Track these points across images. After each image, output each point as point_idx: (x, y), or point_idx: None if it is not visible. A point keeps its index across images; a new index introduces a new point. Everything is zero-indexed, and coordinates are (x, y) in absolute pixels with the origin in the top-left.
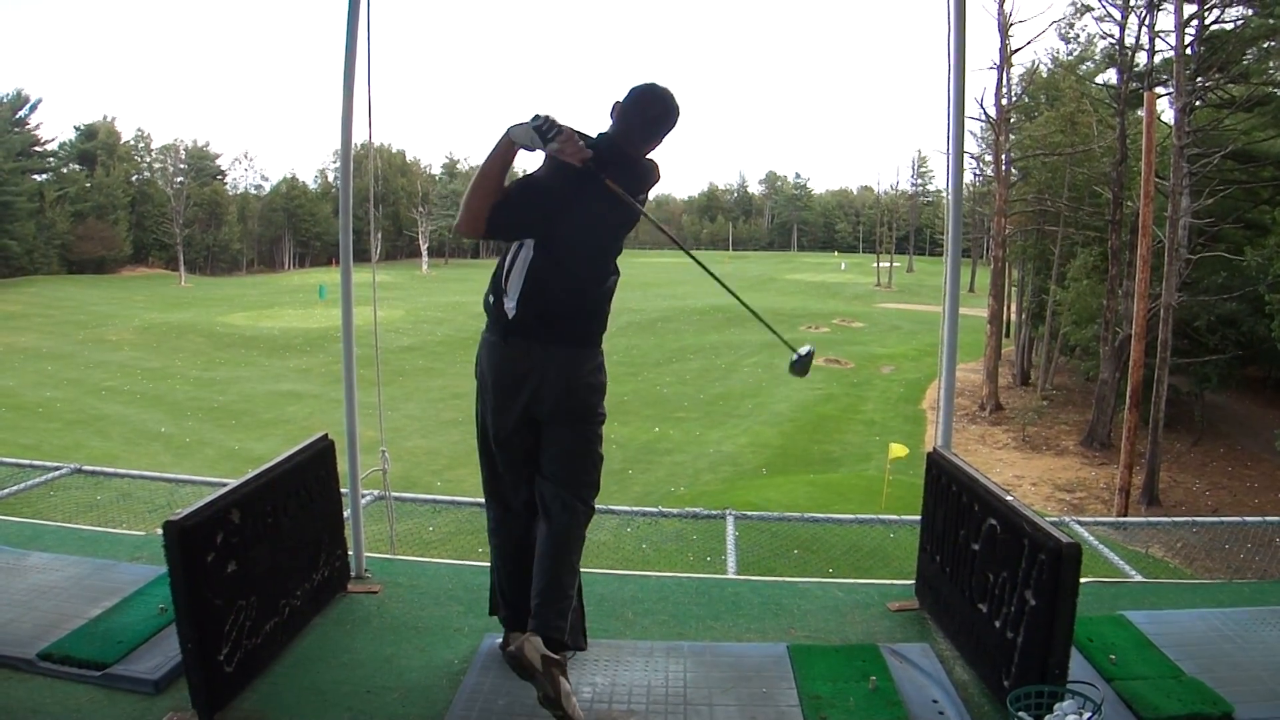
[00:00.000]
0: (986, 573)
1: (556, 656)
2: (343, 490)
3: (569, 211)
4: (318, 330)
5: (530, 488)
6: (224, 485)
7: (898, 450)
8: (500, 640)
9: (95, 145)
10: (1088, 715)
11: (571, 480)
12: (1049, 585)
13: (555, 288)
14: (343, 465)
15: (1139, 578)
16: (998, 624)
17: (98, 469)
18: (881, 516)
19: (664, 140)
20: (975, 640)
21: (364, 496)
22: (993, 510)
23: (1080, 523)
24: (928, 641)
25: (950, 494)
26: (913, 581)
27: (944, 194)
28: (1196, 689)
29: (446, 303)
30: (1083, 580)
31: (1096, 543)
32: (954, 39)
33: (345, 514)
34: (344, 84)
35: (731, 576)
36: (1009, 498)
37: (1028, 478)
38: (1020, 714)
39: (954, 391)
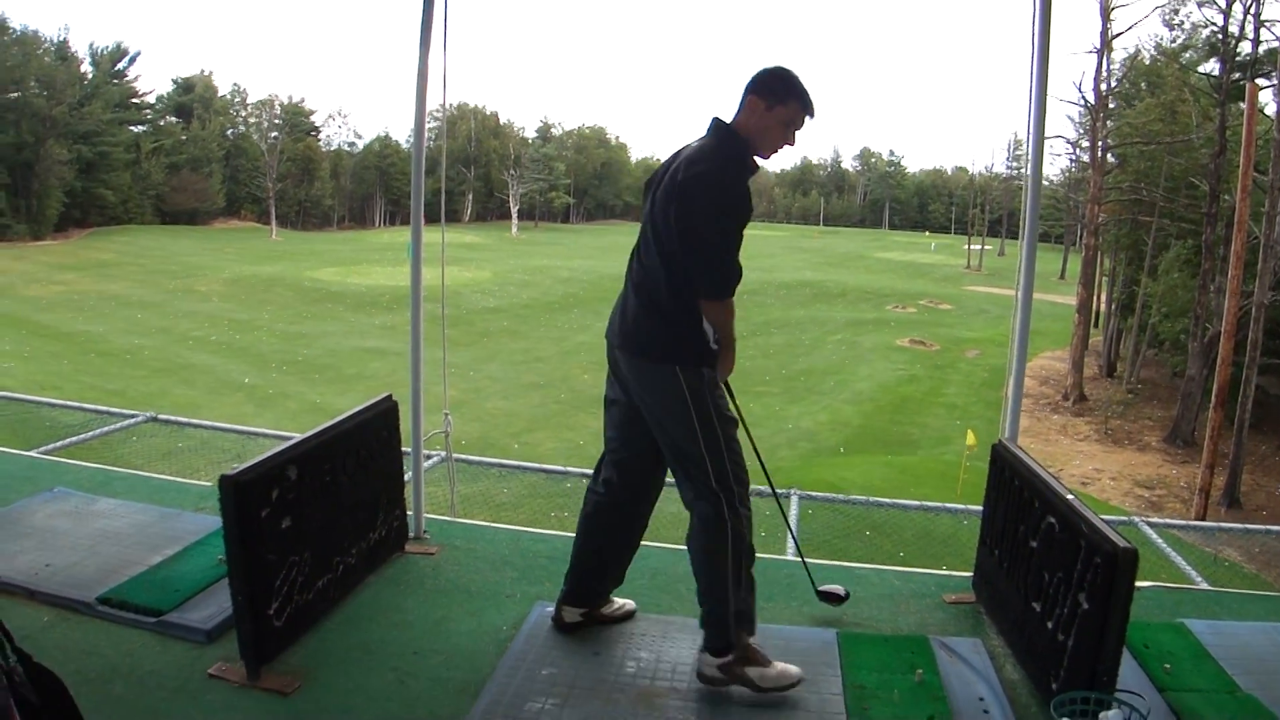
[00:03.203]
0: (1043, 571)
1: (728, 659)
2: (406, 450)
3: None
4: (404, 288)
5: (615, 469)
6: (289, 440)
7: (970, 440)
8: (550, 610)
9: (192, 99)
10: None
11: (685, 480)
12: (1103, 589)
13: (627, 281)
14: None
15: (1205, 585)
16: (1050, 625)
17: (172, 418)
18: (948, 505)
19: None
20: (1027, 639)
21: (429, 458)
22: (1052, 508)
23: (1151, 523)
24: (980, 637)
25: (1012, 488)
26: (970, 574)
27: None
28: (1250, 706)
29: (534, 266)
30: (1146, 585)
31: (1165, 545)
32: (1039, 25)
33: (408, 475)
34: (420, 41)
35: (790, 558)
36: (1069, 496)
37: (1107, 471)
38: (1063, 719)
39: (1023, 383)
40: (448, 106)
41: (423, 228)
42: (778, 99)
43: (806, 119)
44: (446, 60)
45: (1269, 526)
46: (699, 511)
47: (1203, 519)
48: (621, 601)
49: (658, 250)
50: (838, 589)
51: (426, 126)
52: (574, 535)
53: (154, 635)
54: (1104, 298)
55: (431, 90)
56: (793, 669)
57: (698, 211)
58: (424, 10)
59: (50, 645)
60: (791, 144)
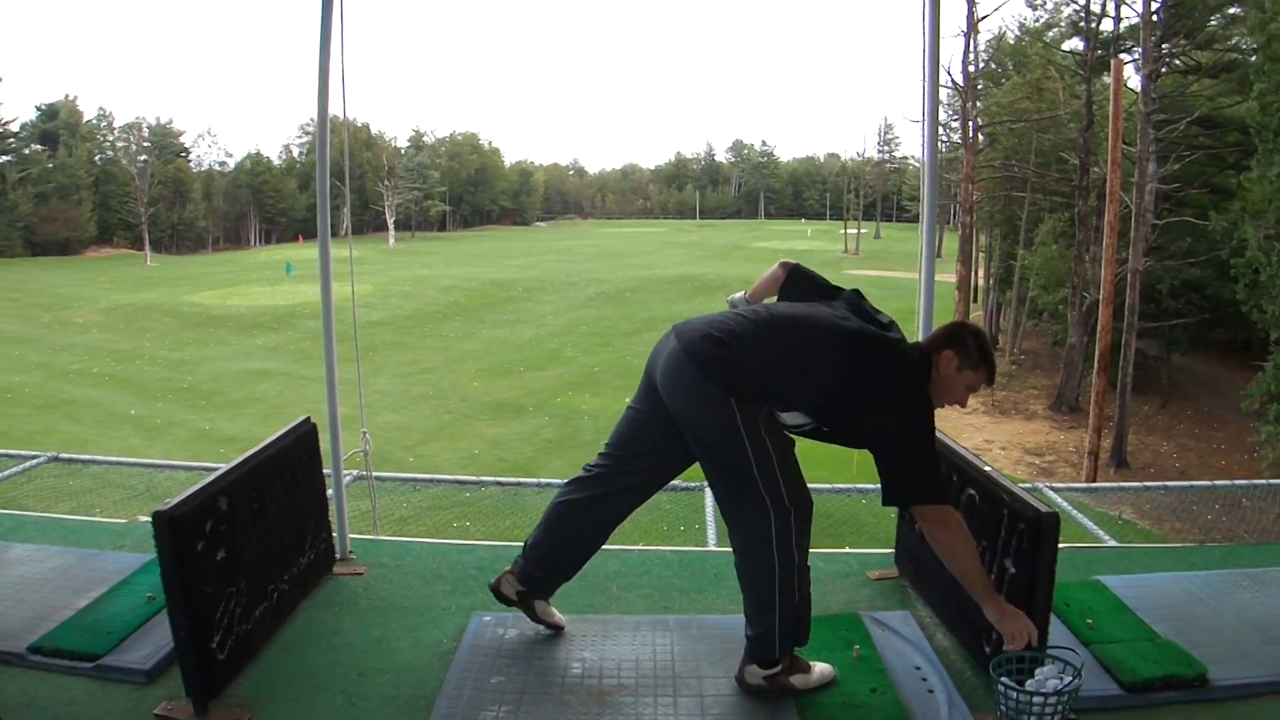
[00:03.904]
0: None
1: (775, 670)
2: (326, 471)
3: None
4: (285, 307)
5: (609, 472)
6: (208, 471)
7: None
8: (489, 619)
9: (57, 125)
10: (1069, 679)
11: (733, 494)
12: (1029, 554)
13: (734, 320)
14: (323, 444)
15: (1112, 542)
16: None
17: (75, 456)
18: (856, 485)
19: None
20: (956, 608)
21: (345, 477)
22: (972, 480)
23: (1053, 488)
24: (908, 609)
25: None
26: (892, 550)
27: (910, 160)
28: (1171, 651)
29: (414, 276)
30: (1060, 546)
31: (1069, 507)
32: (929, 10)
33: (327, 494)
34: (320, 58)
35: (713, 549)
36: (987, 468)
37: (997, 442)
38: (1003, 679)
39: None
40: (324, 120)
41: (329, 243)
42: (971, 363)
43: (984, 386)
44: (345, 72)
45: (1160, 483)
46: (746, 523)
47: (1094, 481)
48: (557, 613)
49: (776, 349)
50: None
51: (299, 141)
52: (540, 522)
53: (93, 680)
54: (982, 273)
55: (312, 103)
56: (828, 669)
57: (897, 426)
58: (323, 23)
59: None
60: (963, 405)
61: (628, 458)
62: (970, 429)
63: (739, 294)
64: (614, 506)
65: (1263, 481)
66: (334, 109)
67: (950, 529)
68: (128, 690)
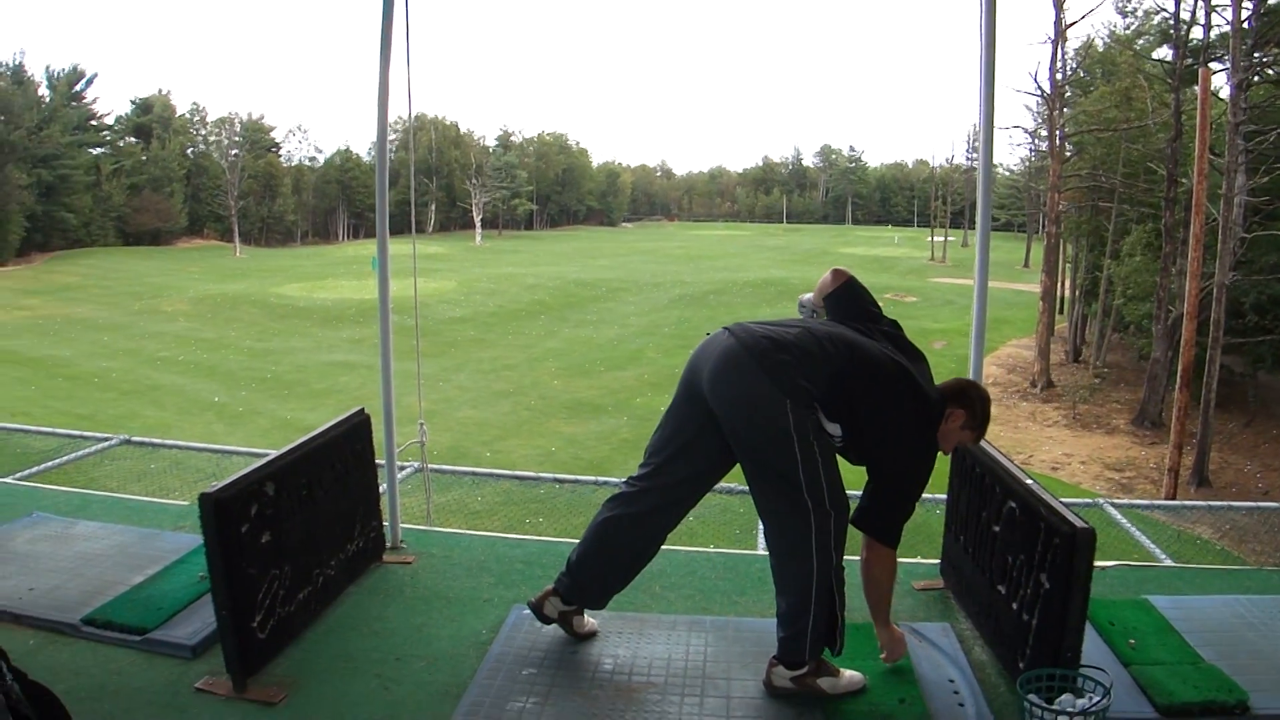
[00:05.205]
0: (1006, 554)
1: (803, 672)
2: (380, 462)
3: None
4: (370, 301)
5: (657, 484)
6: (263, 457)
7: None
8: (528, 612)
9: (151, 119)
10: (1096, 699)
11: (770, 493)
12: (1063, 569)
13: (795, 328)
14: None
15: (1169, 562)
16: (1015, 606)
17: (145, 440)
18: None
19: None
20: (994, 621)
21: (403, 468)
22: (1013, 493)
23: (1116, 504)
24: (949, 621)
25: (974, 475)
26: (938, 561)
27: (999, 168)
28: (1213, 676)
29: (499, 274)
30: (1111, 564)
31: (1130, 525)
32: (985, 15)
33: (383, 486)
34: (380, 55)
35: (760, 552)
36: (1029, 480)
37: (1077, 456)
38: (1030, 696)
39: (981, 373)
40: (396, 118)
41: (388, 240)
42: (974, 424)
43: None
44: (410, 72)
45: (1226, 503)
46: (786, 524)
47: (1173, 498)
48: (590, 620)
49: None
50: None
51: (388, 139)
52: (585, 538)
53: (140, 653)
54: (1068, 284)
55: (393, 102)
56: (858, 675)
57: (903, 467)
58: (383, 23)
59: (38, 667)
60: (945, 453)
61: (669, 467)
62: (1050, 442)
63: (808, 295)
64: (661, 520)
65: None
66: (417, 108)
67: (887, 568)
68: (172, 664)
